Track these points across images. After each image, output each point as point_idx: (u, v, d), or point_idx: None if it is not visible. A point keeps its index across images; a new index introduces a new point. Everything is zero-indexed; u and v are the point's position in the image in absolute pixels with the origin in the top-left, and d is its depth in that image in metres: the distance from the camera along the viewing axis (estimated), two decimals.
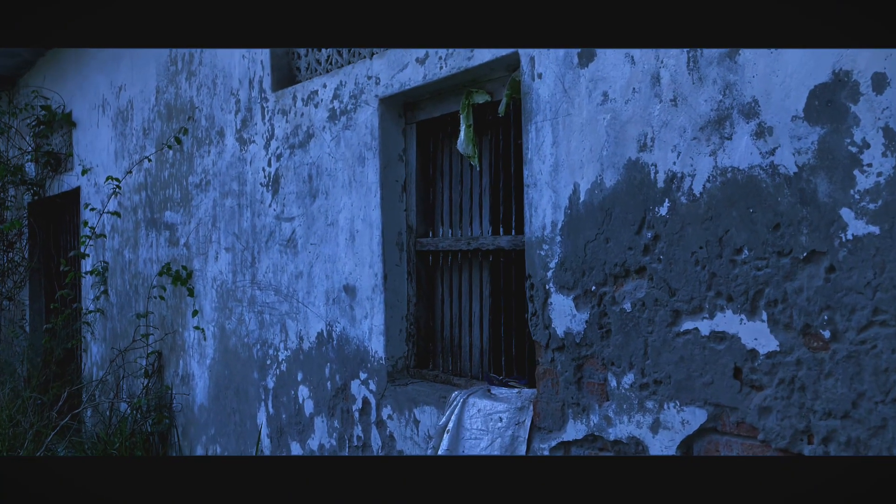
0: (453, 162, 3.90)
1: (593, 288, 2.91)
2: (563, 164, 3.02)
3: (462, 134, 3.58)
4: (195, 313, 5.72)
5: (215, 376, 5.56)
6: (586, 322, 2.94)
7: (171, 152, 6.10)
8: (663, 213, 2.67)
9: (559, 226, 3.04)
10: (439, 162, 3.99)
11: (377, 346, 4.03)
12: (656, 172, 2.69)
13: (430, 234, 4.01)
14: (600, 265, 2.88)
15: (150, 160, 6.35)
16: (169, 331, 6.16)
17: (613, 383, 2.85)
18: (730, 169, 2.47)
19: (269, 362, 4.94)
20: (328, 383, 4.39)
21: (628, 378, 2.80)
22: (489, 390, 3.48)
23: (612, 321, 2.85)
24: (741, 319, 2.45)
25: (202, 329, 5.68)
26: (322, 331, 4.44)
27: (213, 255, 5.55)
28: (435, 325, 4.02)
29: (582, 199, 2.95)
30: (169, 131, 6.13)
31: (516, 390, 3.36)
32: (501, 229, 3.54)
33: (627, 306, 2.79)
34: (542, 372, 3.14)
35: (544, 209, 3.10)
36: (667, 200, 2.66)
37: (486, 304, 3.71)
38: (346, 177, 4.23)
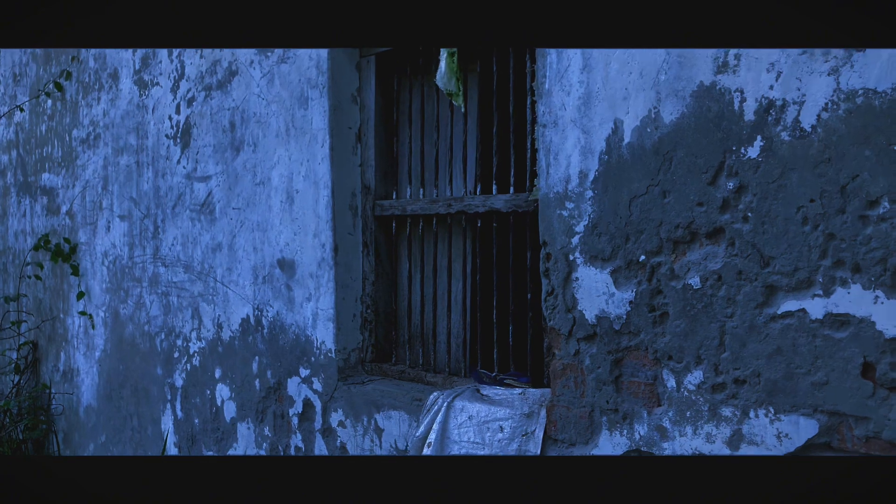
0: (426, 103, 3.10)
1: (641, 258, 2.20)
2: (599, 94, 2.29)
3: (443, 64, 2.80)
4: (80, 296, 4.71)
5: (107, 372, 4.58)
6: (630, 303, 2.23)
7: (49, 101, 5.02)
8: (753, 156, 1.98)
9: (591, 177, 2.31)
10: (405, 104, 3.19)
11: (324, 335, 3.21)
12: (742, 101, 1.99)
13: (394, 195, 3.21)
14: (653, 227, 2.18)
15: (21, 110, 5.23)
16: (47, 317, 5.10)
17: (670, 383, 2.15)
18: (861, 92, 1.80)
19: (176, 355, 4.02)
20: (256, 381, 3.53)
21: (694, 376, 2.10)
22: (479, 391, 2.73)
23: (669, 301, 2.15)
24: (876, 297, 1.79)
25: (90, 315, 4.68)
26: (248, 316, 3.57)
27: (105, 224, 4.54)
28: (399, 309, 3.23)
29: (626, 140, 2.23)
30: (47, 76, 5.04)
31: (518, 391, 2.62)
32: (495, 187, 2.78)
33: (695, 281, 2.10)
34: (561, 368, 2.41)
35: (568, 156, 2.37)
36: (759, 138, 1.97)
37: (470, 281, 2.95)
38: (281, 123, 3.36)
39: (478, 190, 2.85)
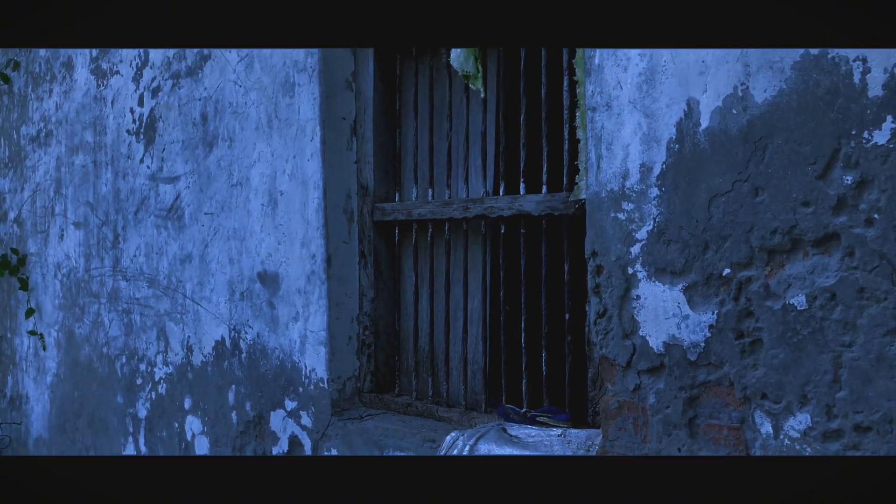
0: (434, 89, 2.64)
1: (725, 271, 1.77)
2: (666, 69, 1.86)
3: None
4: (30, 313, 4.18)
5: (60, 399, 4.04)
6: (711, 328, 1.79)
7: None
8: (880, 142, 1.55)
9: (656, 171, 1.88)
10: (410, 90, 2.73)
11: (314, 361, 2.73)
12: (865, 72, 1.57)
13: (397, 197, 2.74)
14: (741, 234, 1.74)
15: None
16: None
17: (765, 428, 1.72)
18: None
19: (139, 382, 3.50)
20: (233, 414, 3.03)
21: (798, 420, 1.67)
22: (506, 430, 2.27)
23: (763, 326, 1.72)
24: None
25: (40, 335, 4.15)
26: (223, 338, 3.08)
27: (57, 233, 4.01)
28: (403, 331, 2.76)
29: (704, 124, 1.80)
30: None
31: (556, 432, 2.17)
32: (522, 186, 2.33)
33: (798, 301, 1.66)
34: (616, 406, 1.97)
35: (626, 146, 1.93)
36: (889, 119, 1.54)
37: (490, 298, 2.49)
38: (262, 114, 2.89)
39: (501, 190, 2.40)
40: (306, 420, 2.77)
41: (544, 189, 2.27)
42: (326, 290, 2.69)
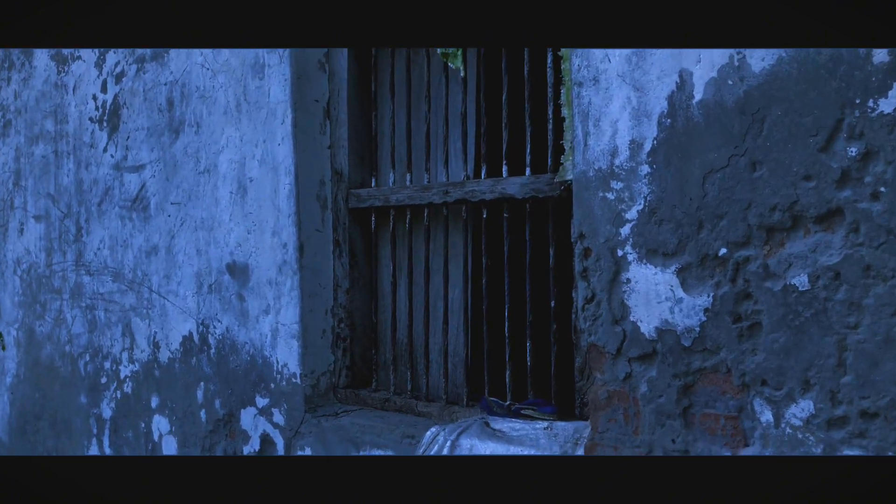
0: (412, 69, 2.53)
1: (721, 251, 1.67)
2: None
3: None
4: None
5: (20, 401, 3.86)
6: (706, 311, 1.70)
7: None
8: (886, 110, 1.47)
9: (647, 147, 1.78)
10: (386, 71, 2.61)
11: (286, 355, 2.60)
12: None
13: (373, 182, 2.62)
14: (738, 211, 1.65)
15: None
16: None
17: (765, 416, 1.62)
18: None
19: (104, 381, 3.35)
20: (202, 412, 2.89)
21: (800, 408, 1.58)
22: (489, 425, 2.16)
23: (763, 308, 1.62)
24: None
25: None
26: (191, 334, 2.94)
27: (17, 227, 3.84)
28: (380, 323, 2.64)
29: (698, 97, 1.70)
30: None
31: (542, 425, 2.07)
32: (505, 168, 2.23)
33: (800, 281, 1.57)
34: (606, 396, 1.87)
35: (615, 122, 1.83)
36: (895, 86, 1.46)
37: (472, 286, 2.38)
38: (230, 98, 2.75)
39: (483, 173, 2.29)
40: (278, 418, 2.64)
41: (528, 171, 2.17)
42: (299, 281, 2.56)
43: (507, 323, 2.23)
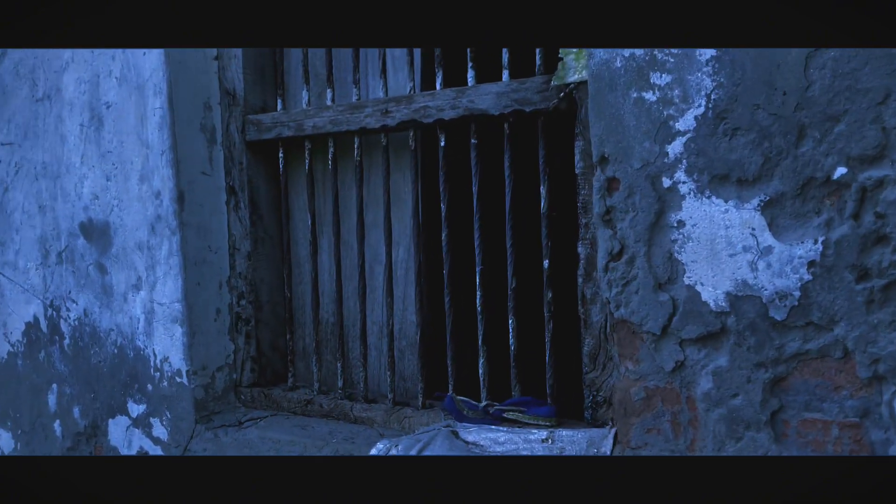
0: None
1: (838, 172, 1.08)
2: None
3: None
4: None
5: None
6: (811, 266, 1.11)
7: None
8: None
9: None
10: None
11: (167, 345, 1.90)
12: None
13: (279, 105, 1.91)
14: (865, 108, 1.06)
15: None
16: None
17: None
18: None
19: None
20: (56, 424, 2.16)
21: None
22: (457, 435, 1.54)
23: None
24: None
25: None
26: (37, 319, 2.18)
27: None
28: (297, 297, 1.96)
29: None
30: None
31: (538, 434, 1.46)
32: (471, 73, 1.57)
33: None
34: (644, 396, 1.27)
35: None
36: None
37: (424, 242, 1.73)
38: None
39: (438, 82, 1.62)
40: (160, 430, 1.94)
41: (506, 75, 1.52)
42: (179, 244, 1.85)
43: (479, 292, 1.59)
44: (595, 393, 1.42)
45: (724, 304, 1.18)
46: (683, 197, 1.20)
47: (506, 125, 1.52)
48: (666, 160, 1.21)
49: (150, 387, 1.95)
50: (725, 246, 1.17)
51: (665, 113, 1.20)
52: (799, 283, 1.12)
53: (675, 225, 1.21)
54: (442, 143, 1.62)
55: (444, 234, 1.63)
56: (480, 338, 1.59)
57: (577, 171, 1.39)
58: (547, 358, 1.52)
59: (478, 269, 1.59)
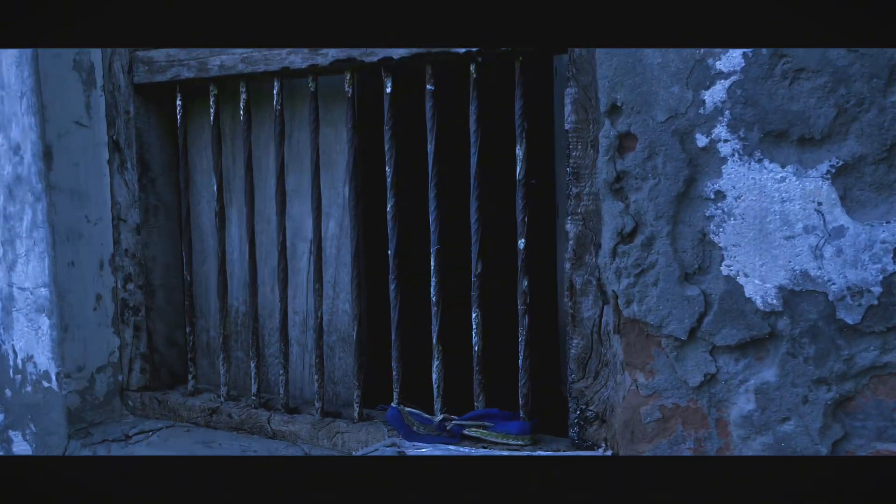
0: None
1: None
2: None
3: None
4: None
5: None
6: None
7: None
8: None
9: None
10: None
11: (30, 341, 1.51)
12: None
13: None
14: None
15: None
16: None
17: None
18: None
19: None
20: None
21: None
22: (404, 454, 1.22)
23: None
24: None
25: None
26: None
27: None
28: (198, 278, 1.59)
29: None
30: None
31: (510, 455, 1.16)
32: None
33: None
34: (659, 417, 0.99)
35: None
36: None
37: (363, 213, 1.39)
38: None
39: None
40: (22, 446, 1.55)
41: None
42: (46, 213, 1.45)
43: (434, 278, 1.27)
44: (584, 407, 1.13)
45: (775, 301, 0.90)
46: (724, 160, 0.91)
47: (472, 67, 1.20)
48: (702, 111, 0.92)
49: (8, 392, 1.55)
50: (780, 225, 0.89)
51: (700, 49, 0.91)
52: (880, 276, 0.85)
53: (712, 197, 0.92)
54: (388, 90, 1.28)
55: (389, 205, 1.29)
56: (435, 334, 1.28)
57: (567, 127, 1.08)
58: (520, 360, 1.22)
59: (433, 250, 1.26)
